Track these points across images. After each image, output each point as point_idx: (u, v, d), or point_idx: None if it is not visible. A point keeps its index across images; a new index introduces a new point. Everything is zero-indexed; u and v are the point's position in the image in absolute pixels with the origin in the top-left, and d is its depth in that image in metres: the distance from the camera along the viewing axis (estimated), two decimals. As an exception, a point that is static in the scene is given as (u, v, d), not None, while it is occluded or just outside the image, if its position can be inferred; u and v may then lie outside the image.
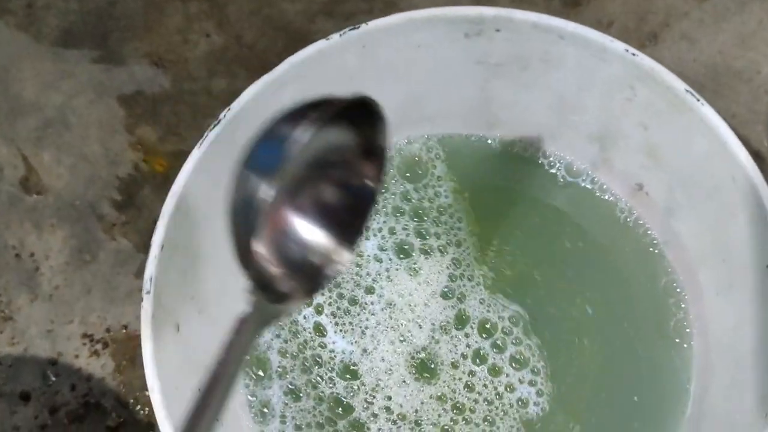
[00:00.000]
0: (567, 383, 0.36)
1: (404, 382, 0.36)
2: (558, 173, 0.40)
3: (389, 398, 0.36)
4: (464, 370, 0.36)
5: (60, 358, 0.47)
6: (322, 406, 0.36)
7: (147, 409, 0.47)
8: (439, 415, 0.36)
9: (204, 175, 0.32)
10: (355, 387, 0.36)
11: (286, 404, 0.36)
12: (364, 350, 0.37)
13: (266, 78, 0.32)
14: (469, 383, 0.36)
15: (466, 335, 0.37)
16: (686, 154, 0.32)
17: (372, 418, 0.36)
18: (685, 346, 0.36)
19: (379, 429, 0.36)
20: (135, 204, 0.52)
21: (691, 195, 0.33)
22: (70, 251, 0.51)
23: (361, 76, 0.35)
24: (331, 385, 0.36)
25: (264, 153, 0.23)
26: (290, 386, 0.36)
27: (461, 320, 0.37)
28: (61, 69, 0.56)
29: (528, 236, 0.39)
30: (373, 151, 0.26)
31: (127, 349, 0.49)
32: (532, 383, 0.36)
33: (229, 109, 0.32)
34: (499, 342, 0.37)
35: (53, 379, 0.48)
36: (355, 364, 0.37)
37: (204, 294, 0.33)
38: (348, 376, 0.36)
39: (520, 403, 0.35)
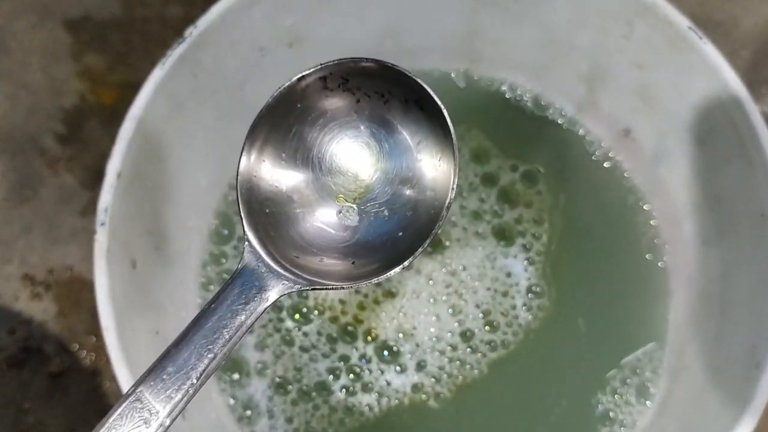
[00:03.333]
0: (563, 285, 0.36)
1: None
2: (526, 106, 0.38)
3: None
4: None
5: (-3, 300, 0.45)
6: (313, 393, 0.35)
7: (93, 355, 0.45)
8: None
9: (165, 99, 0.29)
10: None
11: (271, 398, 0.34)
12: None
13: (237, -7, 0.29)
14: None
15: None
16: (683, 97, 0.31)
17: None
18: (660, 264, 0.36)
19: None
20: (81, 138, 0.50)
21: (683, 140, 0.32)
22: (9, 186, 0.49)
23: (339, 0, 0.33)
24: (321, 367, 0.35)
25: None
26: (277, 379, 0.34)
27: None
28: (-1, -13, 0.52)
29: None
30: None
31: (71, 292, 0.47)
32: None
33: (196, 27, 0.29)
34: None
35: (-11, 322, 0.46)
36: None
37: (162, 229, 0.31)
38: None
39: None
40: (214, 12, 0.29)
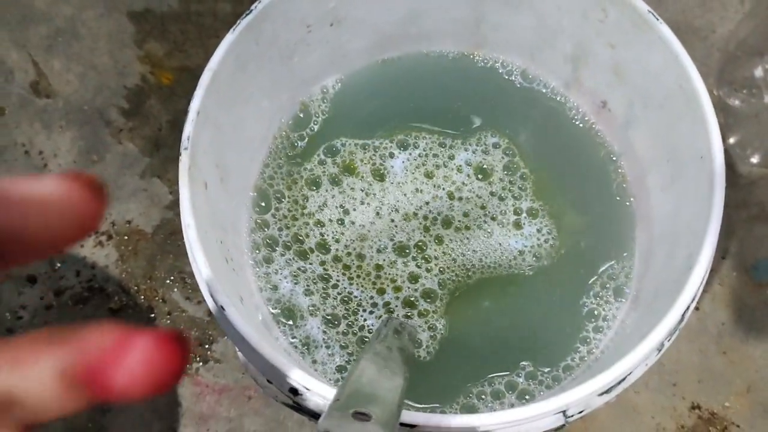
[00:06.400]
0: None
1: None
2: (515, 79, 0.45)
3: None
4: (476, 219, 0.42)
5: (66, 246, 0.51)
6: (356, 326, 0.40)
7: (149, 294, 0.51)
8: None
9: (233, 59, 0.36)
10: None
11: (326, 332, 0.39)
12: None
13: (293, -24, 0.37)
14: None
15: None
16: (645, 69, 0.38)
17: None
18: (627, 204, 0.43)
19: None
20: (141, 112, 0.56)
21: (646, 106, 0.39)
22: (78, 151, 0.55)
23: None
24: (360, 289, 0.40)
25: None
26: (326, 317, 0.40)
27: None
28: (73, -18, 0.59)
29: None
30: None
31: (130, 242, 0.53)
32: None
33: (260, 1, 0.36)
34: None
35: (59, 265, 0.52)
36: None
37: (225, 165, 0.38)
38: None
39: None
40: (274, -10, 0.37)
